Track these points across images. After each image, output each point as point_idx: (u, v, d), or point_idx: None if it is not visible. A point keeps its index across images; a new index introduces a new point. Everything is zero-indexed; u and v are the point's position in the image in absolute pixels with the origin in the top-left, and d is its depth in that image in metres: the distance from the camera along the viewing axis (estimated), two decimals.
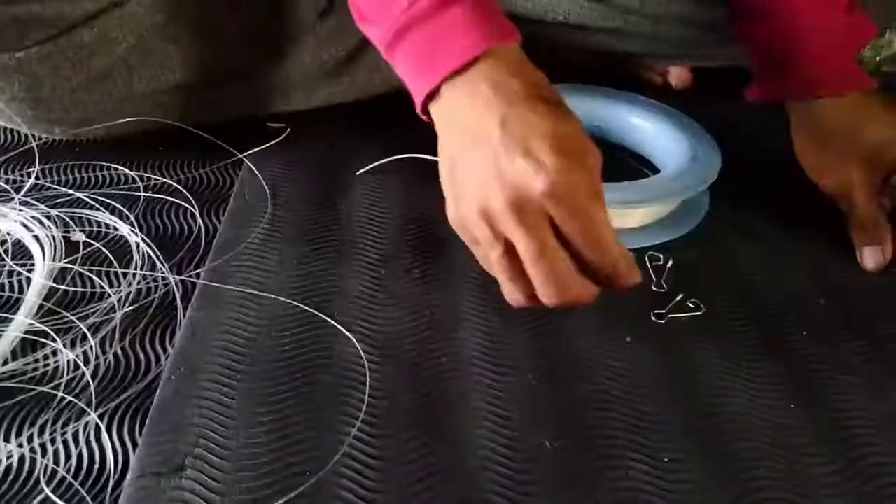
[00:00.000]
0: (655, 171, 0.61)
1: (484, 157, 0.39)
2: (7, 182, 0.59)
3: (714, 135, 0.59)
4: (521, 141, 0.38)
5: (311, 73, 0.65)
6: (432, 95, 0.43)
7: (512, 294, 0.42)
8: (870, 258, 0.53)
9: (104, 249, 0.53)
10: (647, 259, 0.52)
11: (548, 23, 0.69)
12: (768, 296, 0.50)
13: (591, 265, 0.39)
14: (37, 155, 0.62)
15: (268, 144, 0.62)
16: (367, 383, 0.42)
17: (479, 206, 0.40)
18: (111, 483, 0.39)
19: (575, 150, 0.38)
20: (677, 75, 0.76)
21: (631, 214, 0.54)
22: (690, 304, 0.48)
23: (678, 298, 0.49)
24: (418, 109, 0.44)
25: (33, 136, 0.64)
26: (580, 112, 0.65)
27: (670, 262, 0.52)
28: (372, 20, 0.45)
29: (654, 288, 0.50)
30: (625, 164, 0.64)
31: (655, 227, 0.55)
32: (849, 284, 0.52)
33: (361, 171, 0.60)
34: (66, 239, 0.54)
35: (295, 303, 0.47)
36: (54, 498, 0.37)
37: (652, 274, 0.51)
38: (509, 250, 0.40)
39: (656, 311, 0.48)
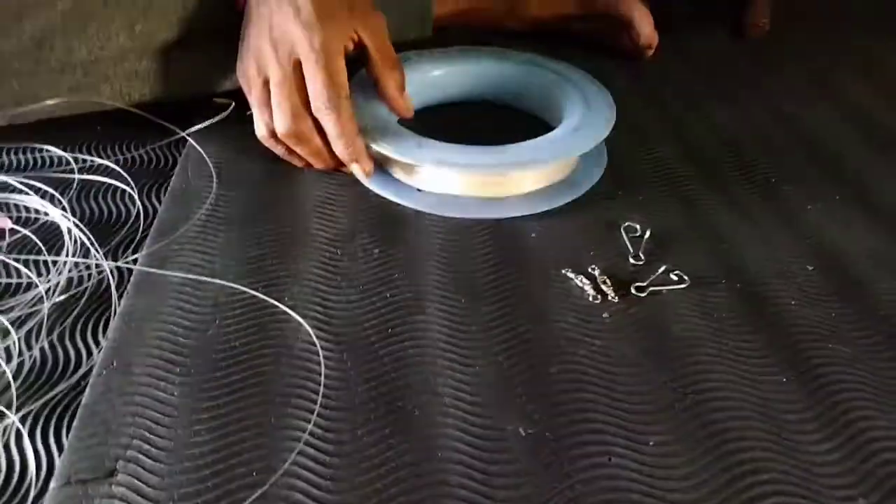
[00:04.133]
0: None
1: (266, 16, 0.50)
2: None
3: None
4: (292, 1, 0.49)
5: None
6: None
7: (258, 122, 0.52)
8: None
9: (32, 236, 0.49)
10: (623, 230, 0.49)
11: None
12: (753, 264, 0.47)
13: (316, 107, 0.49)
14: None
15: (213, 120, 0.58)
16: (322, 373, 0.38)
17: (253, 53, 0.50)
18: (32, 494, 0.34)
19: (331, 8, 0.49)
20: (645, 36, 0.72)
21: (516, 180, 0.52)
22: (674, 277, 0.45)
23: (661, 270, 0.45)
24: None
25: None
26: (470, 78, 0.62)
27: (648, 233, 0.48)
28: None
29: (631, 260, 0.46)
30: (521, 125, 0.59)
31: (541, 193, 0.52)
32: (838, 249, 0.49)
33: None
34: None
35: (241, 287, 0.43)
36: None
37: (629, 245, 0.47)
38: (266, 84, 0.50)
39: (637, 285, 0.44)
